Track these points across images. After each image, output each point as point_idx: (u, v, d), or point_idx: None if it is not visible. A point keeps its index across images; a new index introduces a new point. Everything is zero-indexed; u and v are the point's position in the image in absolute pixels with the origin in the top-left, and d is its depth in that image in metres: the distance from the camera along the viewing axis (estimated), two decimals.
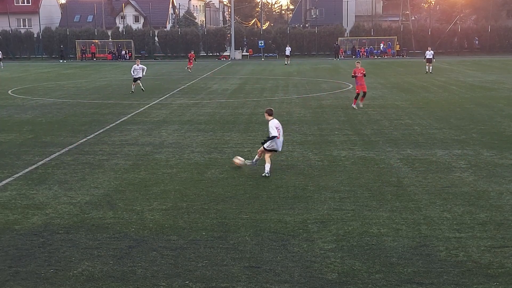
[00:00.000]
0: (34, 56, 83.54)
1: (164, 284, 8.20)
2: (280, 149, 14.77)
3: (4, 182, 13.92)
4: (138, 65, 34.71)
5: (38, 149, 17.85)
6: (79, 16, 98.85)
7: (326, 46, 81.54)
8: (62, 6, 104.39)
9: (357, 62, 26.97)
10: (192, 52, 57.63)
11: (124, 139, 19.37)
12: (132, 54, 79.76)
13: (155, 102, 29.80)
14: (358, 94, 26.35)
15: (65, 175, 14.59)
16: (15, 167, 15.47)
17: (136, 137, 19.71)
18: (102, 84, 41.89)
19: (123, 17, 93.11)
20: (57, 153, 17.19)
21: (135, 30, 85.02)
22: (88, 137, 19.76)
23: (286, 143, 18.32)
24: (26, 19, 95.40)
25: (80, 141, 19.05)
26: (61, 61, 75.68)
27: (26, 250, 9.55)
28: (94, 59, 79.28)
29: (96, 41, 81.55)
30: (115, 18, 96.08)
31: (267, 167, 14.27)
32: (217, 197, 12.45)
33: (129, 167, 15.44)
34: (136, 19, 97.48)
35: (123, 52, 79.87)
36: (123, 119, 23.86)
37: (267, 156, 14.52)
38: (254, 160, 15.05)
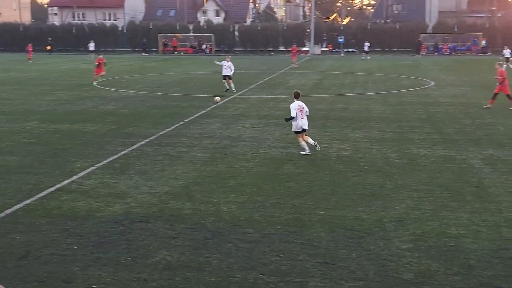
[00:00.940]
0: (118, 49, 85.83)
1: (238, 276, 8.29)
2: (307, 127, 16.06)
3: (88, 170, 14.40)
4: (227, 61, 31.92)
5: (120, 139, 18.37)
6: (162, 10, 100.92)
7: (408, 42, 79.89)
8: (146, 0, 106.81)
9: (498, 63, 25.88)
10: (295, 45, 56.80)
11: (202, 132, 19.66)
12: (212, 48, 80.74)
13: (233, 96, 30.08)
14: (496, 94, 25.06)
15: (146, 165, 14.95)
16: (99, 156, 15.97)
17: (215, 130, 19.97)
18: (183, 77, 42.62)
19: (204, 12, 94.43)
20: (138, 144, 17.63)
21: (216, 24, 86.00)
22: (168, 129, 20.17)
23: (365, 140, 18.12)
24: (112, 13, 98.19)
25: (160, 133, 19.47)
26: (144, 54, 77.45)
27: (107, 237, 9.85)
28: (175, 52, 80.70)
29: (177, 35, 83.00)
30: (196, 13, 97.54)
31: (305, 146, 15.86)
32: (293, 192, 12.46)
33: (207, 159, 15.66)
34: (217, 14, 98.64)
35: (204, 46, 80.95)
36: (202, 112, 24.21)
37: (299, 138, 16.01)
38: (305, 148, 15.97)
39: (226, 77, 32.01)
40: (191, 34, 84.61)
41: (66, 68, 50.26)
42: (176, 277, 8.28)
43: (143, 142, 17.98)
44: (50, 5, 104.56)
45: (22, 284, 8.05)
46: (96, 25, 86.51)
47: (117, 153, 16.33)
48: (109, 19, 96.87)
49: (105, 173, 14.18)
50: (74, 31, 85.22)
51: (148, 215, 10.95)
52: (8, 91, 32.54)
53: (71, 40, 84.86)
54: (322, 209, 11.25)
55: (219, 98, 17.85)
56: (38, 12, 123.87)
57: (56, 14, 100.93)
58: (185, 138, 18.65)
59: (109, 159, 15.62)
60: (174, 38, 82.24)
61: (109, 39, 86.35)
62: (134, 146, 17.30)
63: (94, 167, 14.71)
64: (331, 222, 10.50)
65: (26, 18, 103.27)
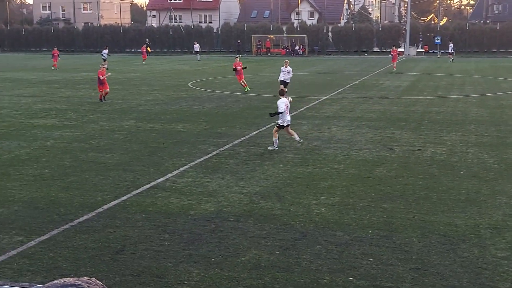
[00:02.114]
0: (213, 50, 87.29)
1: (327, 278, 8.25)
2: (289, 123, 17.20)
3: (181, 169, 14.74)
4: (286, 66, 29.76)
5: (213, 139, 18.69)
6: (256, 12, 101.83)
7: (509, 44, 76.87)
8: (241, 2, 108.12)
9: None
10: (395, 48, 54.91)
11: None
12: (305, 49, 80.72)
13: (325, 97, 29.95)
14: None
15: (237, 165, 15.14)
16: (192, 155, 16.32)
17: (306, 132, 19.96)
18: (275, 78, 42.74)
19: (298, 13, 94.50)
20: (231, 144, 17.88)
21: (310, 25, 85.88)
22: (260, 130, 20.34)
23: (460, 144, 17.61)
24: (207, 15, 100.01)
25: (252, 133, 19.67)
26: (238, 55, 78.37)
27: (198, 234, 10.05)
28: (269, 54, 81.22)
29: (271, 36, 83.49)
30: (290, 14, 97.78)
31: (276, 143, 16.92)
32: (384, 196, 12.28)
33: (298, 160, 15.68)
34: (311, 15, 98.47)
35: (297, 47, 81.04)
36: (293, 113, 24.22)
37: (276, 133, 17.02)
38: (275, 144, 16.97)
39: (283, 83, 29.20)
40: (285, 35, 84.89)
41: (162, 69, 51.64)
42: (265, 276, 8.34)
43: (235, 142, 18.22)
44: (149, 7, 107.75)
45: (117, 277, 8.35)
46: (192, 27, 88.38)
47: (210, 153, 16.63)
48: (205, 21, 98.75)
49: (198, 172, 14.48)
50: (170, 33, 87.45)
51: (238, 214, 11.09)
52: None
53: (167, 41, 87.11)
54: (415, 214, 11.03)
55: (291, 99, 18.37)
56: (137, 14, 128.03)
57: (154, 16, 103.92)
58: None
59: (202, 158, 15.93)
60: (268, 40, 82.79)
61: (204, 40, 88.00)
62: (226, 146, 17.56)
63: (187, 166, 15.04)
64: (424, 227, 10.27)
65: (126, 20, 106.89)
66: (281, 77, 30.13)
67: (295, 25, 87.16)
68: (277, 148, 16.87)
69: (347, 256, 9.04)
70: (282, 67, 30.19)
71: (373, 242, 9.62)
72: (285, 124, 17.17)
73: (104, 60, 51.39)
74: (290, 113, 17.52)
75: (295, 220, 10.76)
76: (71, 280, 2.17)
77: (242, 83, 33.38)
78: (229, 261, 8.89)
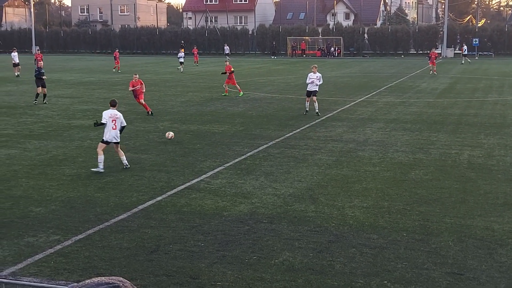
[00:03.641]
0: (248, 52, 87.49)
1: (361, 281, 8.19)
2: (110, 141, 14.56)
3: (216, 170, 14.80)
4: (314, 72, 24.38)
5: (247, 140, 18.71)
6: (291, 13, 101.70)
7: None
8: (276, 4, 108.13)
9: None
10: (434, 50, 51.70)
11: (328, 135, 19.61)
12: (341, 51, 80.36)
13: (361, 99, 29.76)
14: None
15: (271, 167, 15.14)
16: (226, 156, 16.37)
17: (340, 134, 19.85)
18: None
19: (334, 15, 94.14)
20: (265, 146, 17.88)
21: (345, 27, 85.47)
22: (294, 132, 20.30)
23: (499, 147, 17.32)
24: (243, 17, 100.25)
25: (286, 135, 19.64)
26: (273, 57, 78.41)
27: (232, 235, 10.07)
28: (304, 55, 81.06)
29: (306, 38, 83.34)
30: (326, 15, 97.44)
31: (101, 160, 14.40)
32: (420, 199, 12.14)
33: (332, 163, 15.60)
34: (347, 16, 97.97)
35: (332, 49, 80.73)
36: (328, 115, 24.15)
37: (100, 149, 14.54)
38: (99, 165, 14.52)
39: (312, 94, 24.10)
40: (320, 37, 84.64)
41: (197, 71, 51.90)
42: (299, 279, 8.31)
43: (270, 143, 18.21)
44: (185, 9, 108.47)
45: (152, 277, 8.42)
46: (228, 29, 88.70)
47: (244, 154, 16.66)
48: (240, 22, 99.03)
49: (232, 173, 14.51)
50: (206, 35, 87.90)
51: (272, 216, 11.08)
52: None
53: (202, 43, 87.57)
54: (451, 218, 10.88)
55: (172, 134, 17.96)
56: (173, 16, 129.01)
57: (190, 18, 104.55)
58: (311, 140, 18.69)
59: (236, 160, 15.96)
60: (303, 41, 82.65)
61: (240, 42, 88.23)
62: (261, 148, 17.57)
63: (222, 167, 15.09)
64: (460, 231, 10.12)
65: (162, 22, 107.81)
66: (312, 87, 24.07)
67: (330, 26, 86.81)
68: (102, 170, 14.43)
69: (381, 259, 8.96)
70: (310, 74, 24.36)
71: (408, 245, 9.52)
72: (109, 140, 14.68)
73: (182, 63, 49.98)
74: (324, 115, 17.29)
75: (329, 222, 10.71)
76: (104, 279, 2.20)
77: (230, 88, 32.18)
78: (263, 263, 8.88)
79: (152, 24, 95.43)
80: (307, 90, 24.27)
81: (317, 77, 24.16)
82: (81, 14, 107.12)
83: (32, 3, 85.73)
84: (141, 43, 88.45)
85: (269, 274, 8.48)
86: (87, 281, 2.21)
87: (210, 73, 48.72)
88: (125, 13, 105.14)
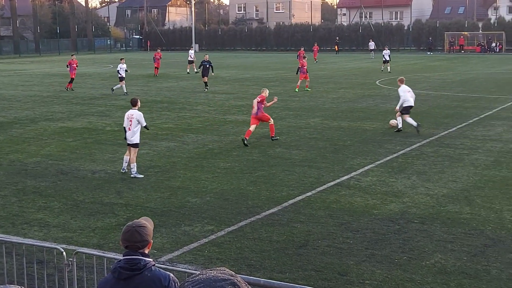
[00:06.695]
0: (403, 47, 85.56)
1: None
2: (132, 143, 13.91)
3: (366, 168, 14.65)
4: (401, 84, 20.56)
5: (399, 138, 18.33)
6: (450, 8, 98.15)
7: None
8: None
9: None
10: None
11: (486, 134, 18.72)
12: (503, 46, 76.24)
13: None
14: None
15: (424, 166, 14.72)
16: (377, 154, 16.15)
17: (500, 133, 18.87)
18: (469, 77, 40.94)
19: (496, 8, 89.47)
20: (418, 144, 17.42)
21: (508, 21, 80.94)
22: (450, 130, 19.59)
23: None
24: (398, 12, 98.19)
25: (441, 134, 19.01)
26: (429, 53, 76.06)
27: (382, 234, 9.94)
28: (462, 51, 77.88)
29: (465, 33, 79.97)
30: (487, 9, 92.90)
31: (125, 161, 14.18)
32: None
33: (490, 163, 14.88)
34: (510, 10, 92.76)
35: (493, 44, 76.82)
36: (487, 113, 23.04)
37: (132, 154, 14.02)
38: (127, 168, 14.12)
39: (409, 109, 19.51)
40: (480, 32, 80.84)
41: (350, 67, 51.60)
42: (451, 282, 8.04)
43: (423, 142, 17.72)
44: (339, 5, 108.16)
45: (300, 271, 8.52)
46: (382, 24, 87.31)
47: (396, 152, 16.34)
48: (395, 18, 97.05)
49: (383, 171, 14.30)
50: (360, 31, 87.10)
51: (424, 216, 10.79)
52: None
53: (356, 39, 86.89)
54: None
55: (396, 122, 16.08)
56: (327, 13, 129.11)
57: (344, 14, 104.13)
58: (467, 139, 17.94)
59: (388, 158, 15.70)
60: (461, 36, 79.40)
61: (394, 38, 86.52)
62: (414, 146, 17.14)
63: (372, 165, 14.91)
64: None
65: (316, 19, 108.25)
66: (410, 101, 19.72)
67: (492, 21, 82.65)
68: (141, 176, 13.87)
69: None
70: (404, 86, 20.63)
71: None
72: (127, 142, 14.12)
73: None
74: (483, 114, 16.48)
75: (485, 225, 10.24)
76: (218, 273, 2.28)
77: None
78: (413, 264, 8.68)
79: (306, 21, 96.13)
80: (411, 106, 19.64)
81: (408, 90, 20.35)
82: (238, 12, 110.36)
83: (193, 2, 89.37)
84: (295, 40, 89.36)
85: (420, 275, 8.28)
86: (204, 273, 2.30)
87: (363, 70, 48.25)
88: (280, 11, 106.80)
